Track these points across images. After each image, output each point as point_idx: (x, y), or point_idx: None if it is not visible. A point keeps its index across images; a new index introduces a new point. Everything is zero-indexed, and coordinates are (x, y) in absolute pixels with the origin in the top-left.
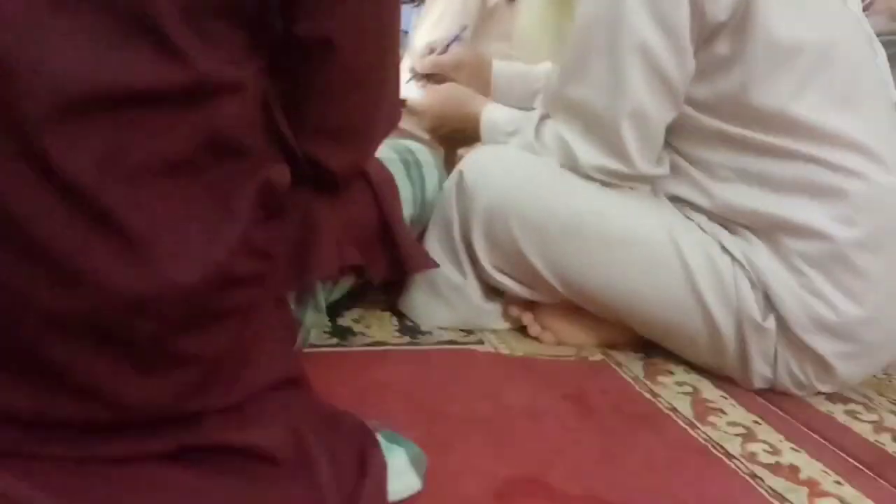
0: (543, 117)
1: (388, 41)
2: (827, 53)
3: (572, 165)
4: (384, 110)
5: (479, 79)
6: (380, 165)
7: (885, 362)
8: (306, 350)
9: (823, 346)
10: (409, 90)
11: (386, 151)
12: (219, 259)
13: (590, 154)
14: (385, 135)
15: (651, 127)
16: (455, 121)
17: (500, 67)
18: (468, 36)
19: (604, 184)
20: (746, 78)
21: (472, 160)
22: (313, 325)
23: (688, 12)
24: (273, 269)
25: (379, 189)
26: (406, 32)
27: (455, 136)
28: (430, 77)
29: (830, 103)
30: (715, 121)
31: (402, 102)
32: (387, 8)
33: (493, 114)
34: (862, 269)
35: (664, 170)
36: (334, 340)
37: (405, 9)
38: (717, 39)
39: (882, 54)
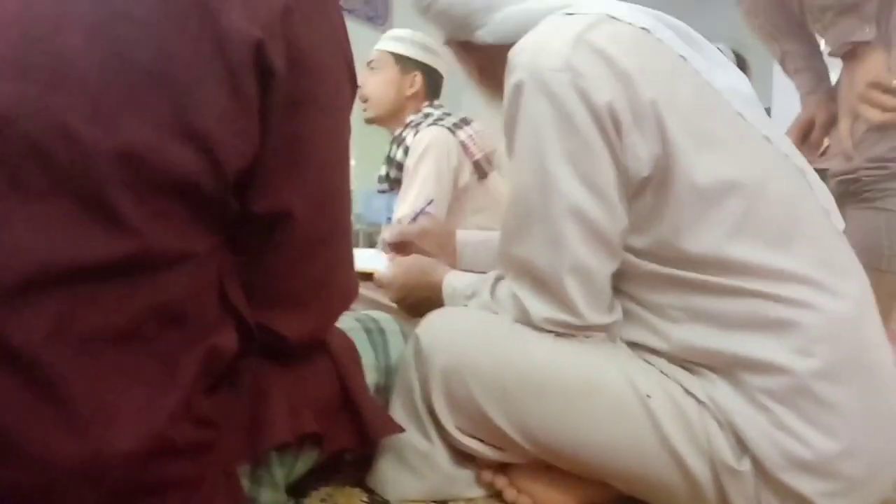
0: (499, 278)
1: (341, 209)
2: (758, 191)
3: (526, 320)
4: (338, 280)
5: (446, 249)
6: (340, 333)
7: (879, 496)
8: None
9: (804, 486)
10: (378, 262)
11: (347, 321)
12: (159, 426)
13: (541, 308)
14: (343, 306)
15: (594, 280)
16: (419, 290)
17: (464, 235)
18: (435, 211)
19: (558, 335)
20: (677, 225)
21: (426, 323)
22: None
23: (613, 173)
24: (220, 439)
25: (338, 356)
26: (389, 219)
27: (421, 305)
28: (398, 247)
29: (766, 242)
30: (657, 266)
31: (370, 276)
32: (341, 178)
33: (452, 280)
34: (828, 401)
35: (616, 316)
36: None
37: (385, 196)
38: (645, 192)
39: (821, 187)
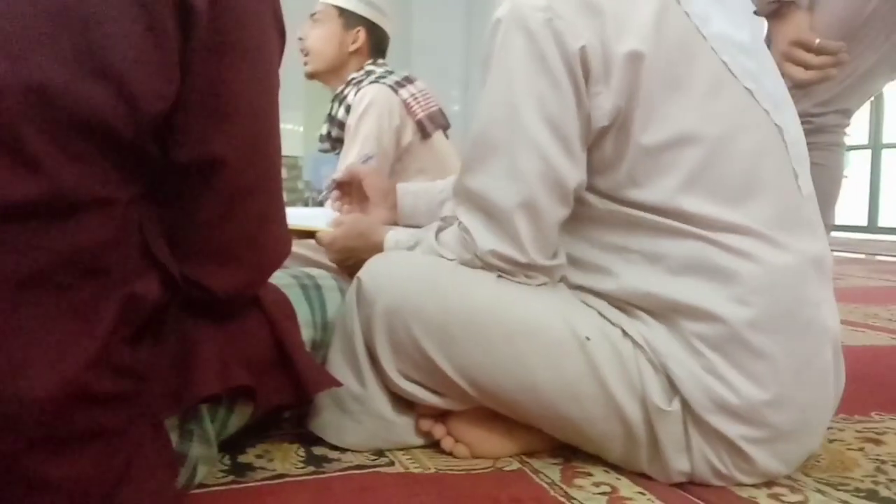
0: (442, 227)
1: (270, 160)
2: (719, 145)
3: (470, 253)
4: (268, 233)
5: (387, 198)
6: (274, 289)
7: (806, 452)
8: (196, 490)
9: (729, 429)
10: (320, 221)
11: (283, 277)
12: (72, 374)
13: (487, 240)
14: (274, 262)
15: (543, 220)
16: (361, 251)
17: (404, 186)
18: (376, 165)
19: (500, 275)
20: (632, 174)
21: (369, 266)
22: (203, 461)
23: (576, 118)
24: (144, 391)
25: (271, 312)
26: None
27: (361, 266)
28: (343, 186)
29: (719, 196)
30: (611, 204)
31: (311, 234)
32: (269, 127)
33: (394, 235)
34: (760, 351)
35: (559, 261)
36: (230, 478)
37: (329, 157)
38: (604, 141)
39: (797, 147)
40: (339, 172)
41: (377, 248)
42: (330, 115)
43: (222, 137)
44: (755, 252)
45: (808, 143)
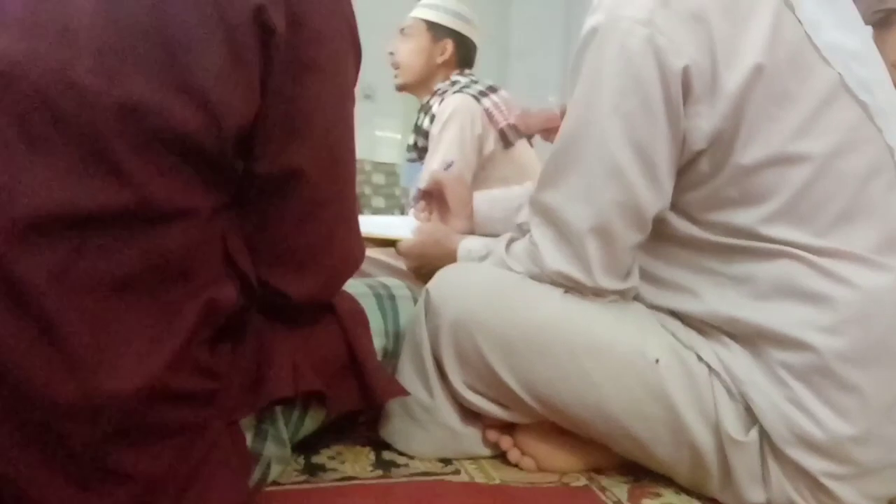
0: (514, 238)
1: (345, 172)
2: (829, 166)
3: (538, 269)
4: (342, 242)
5: (465, 207)
6: (349, 298)
7: (889, 492)
8: (269, 488)
9: (812, 464)
10: (403, 230)
11: (359, 286)
12: (156, 372)
13: (555, 259)
14: (347, 269)
15: (616, 245)
16: (435, 259)
17: (481, 194)
18: (457, 171)
19: (566, 292)
20: (725, 196)
21: (438, 278)
22: (276, 460)
23: (668, 142)
24: (222, 391)
25: (345, 319)
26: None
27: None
28: (427, 195)
29: (819, 223)
30: (693, 228)
31: (392, 243)
32: (345, 140)
33: (467, 244)
34: (850, 384)
35: (630, 283)
36: (303, 478)
37: (412, 166)
38: (698, 162)
39: None
40: (422, 181)
41: (451, 257)
42: (416, 125)
43: (300, 151)
44: (851, 276)
45: None
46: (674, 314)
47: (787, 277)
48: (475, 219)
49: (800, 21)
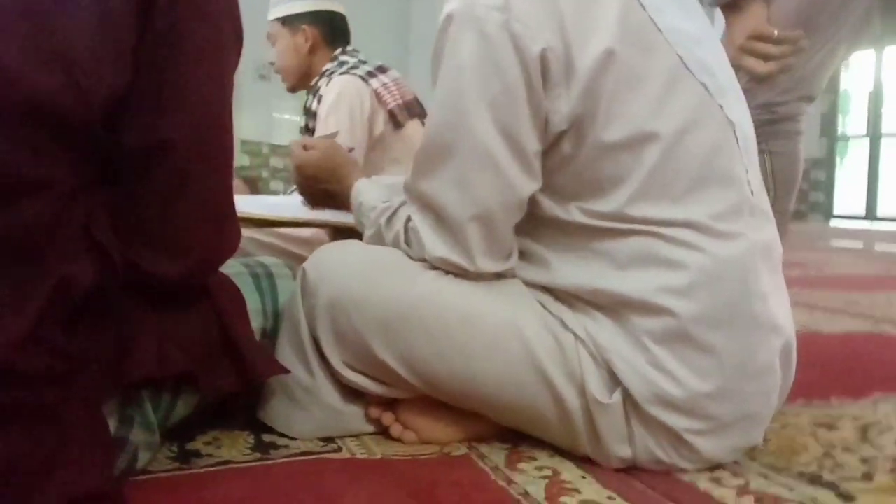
0: (395, 212)
1: (219, 146)
2: (673, 142)
3: (419, 255)
4: (215, 223)
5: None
6: (223, 277)
7: (749, 441)
8: (138, 477)
9: (673, 421)
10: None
11: (234, 265)
12: (1, 352)
13: (436, 246)
14: (222, 252)
15: (497, 228)
16: (328, 182)
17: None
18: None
19: (448, 273)
20: (586, 179)
21: (314, 257)
22: (144, 447)
23: (532, 124)
24: (78, 372)
25: (218, 298)
26: None
27: (324, 196)
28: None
29: (671, 196)
30: (558, 209)
31: (274, 223)
32: (220, 117)
33: (362, 192)
34: (705, 344)
35: (510, 263)
36: (175, 465)
37: None
38: (561, 143)
39: (747, 142)
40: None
41: (343, 187)
42: (305, 107)
43: (171, 123)
44: (701, 244)
45: (770, 132)
46: (542, 287)
47: (646, 249)
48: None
49: (643, 6)
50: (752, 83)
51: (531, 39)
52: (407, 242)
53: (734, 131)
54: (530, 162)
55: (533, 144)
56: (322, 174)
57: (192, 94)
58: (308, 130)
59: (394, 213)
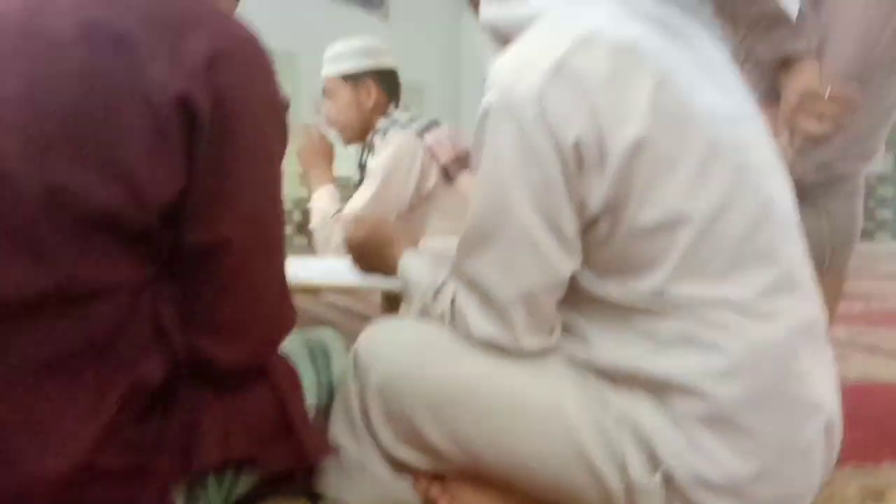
0: (440, 290)
1: (273, 237)
2: (709, 223)
3: (465, 334)
4: (271, 308)
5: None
6: (281, 358)
7: None
8: None
9: (715, 503)
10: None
11: (291, 342)
12: (81, 453)
13: (482, 327)
14: (279, 335)
15: (540, 308)
16: (377, 258)
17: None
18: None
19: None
20: (623, 260)
21: (366, 335)
22: None
23: (570, 208)
24: (151, 463)
25: (277, 381)
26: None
27: (373, 266)
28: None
29: (709, 276)
30: (600, 286)
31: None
32: (275, 207)
33: (408, 268)
34: (746, 427)
35: (554, 339)
36: None
37: None
38: (598, 225)
39: (786, 215)
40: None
41: (391, 262)
42: (359, 163)
43: (227, 222)
44: (740, 326)
45: (827, 191)
46: (584, 363)
47: (685, 330)
48: None
49: (677, 86)
50: (808, 143)
51: (565, 129)
52: (453, 321)
53: (770, 206)
54: (570, 243)
55: (572, 226)
56: (370, 252)
57: (244, 191)
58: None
59: (438, 291)
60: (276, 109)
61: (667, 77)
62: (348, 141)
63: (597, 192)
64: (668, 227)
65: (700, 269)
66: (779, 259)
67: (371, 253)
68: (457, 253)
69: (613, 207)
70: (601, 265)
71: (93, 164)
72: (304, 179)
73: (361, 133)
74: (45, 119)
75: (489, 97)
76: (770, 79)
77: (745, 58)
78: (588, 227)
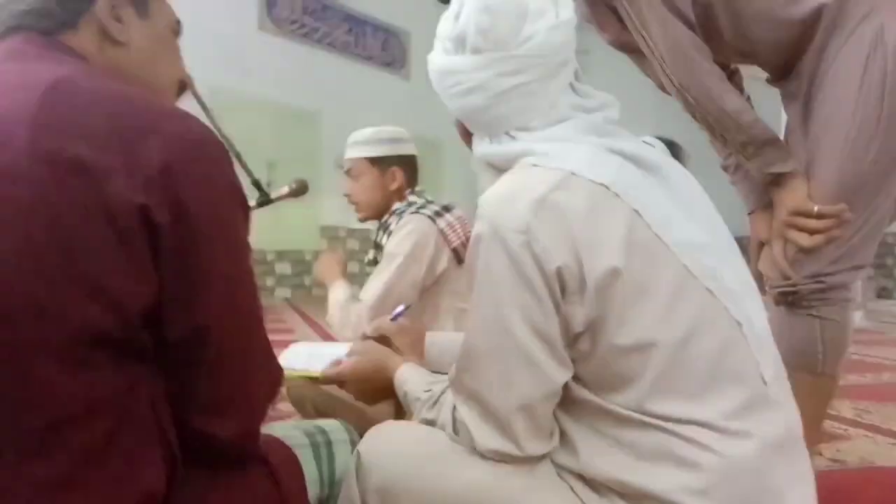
0: (441, 393)
1: (251, 318)
2: (679, 349)
3: (467, 444)
4: (257, 382)
5: (416, 349)
6: (283, 448)
7: None
8: None
9: None
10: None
11: (295, 435)
12: None
13: (485, 439)
14: (267, 399)
15: (539, 416)
16: (373, 382)
17: (432, 336)
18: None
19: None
20: (604, 375)
21: (368, 439)
22: None
23: (558, 325)
24: None
25: (278, 473)
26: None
27: (377, 395)
28: (376, 340)
29: (683, 396)
30: (587, 395)
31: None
32: (248, 286)
33: (405, 381)
34: None
35: (555, 442)
36: None
37: None
38: (581, 340)
39: (758, 337)
40: (371, 329)
41: (387, 382)
42: (375, 242)
43: (202, 312)
44: (714, 445)
45: (820, 300)
46: (572, 473)
47: (664, 445)
48: (426, 362)
49: (649, 225)
50: (800, 254)
51: (549, 259)
52: (455, 431)
53: (741, 330)
54: (563, 355)
55: (560, 339)
56: (363, 383)
57: (213, 282)
58: (376, 264)
59: (436, 402)
60: (235, 196)
61: (641, 211)
62: (365, 218)
63: (579, 313)
64: (642, 349)
65: (673, 389)
66: (751, 378)
67: (366, 383)
68: (456, 369)
69: (593, 328)
70: (586, 377)
71: (64, 280)
72: (318, 281)
73: (379, 213)
74: (13, 248)
75: (479, 227)
76: (761, 191)
77: (734, 170)
78: (572, 342)
